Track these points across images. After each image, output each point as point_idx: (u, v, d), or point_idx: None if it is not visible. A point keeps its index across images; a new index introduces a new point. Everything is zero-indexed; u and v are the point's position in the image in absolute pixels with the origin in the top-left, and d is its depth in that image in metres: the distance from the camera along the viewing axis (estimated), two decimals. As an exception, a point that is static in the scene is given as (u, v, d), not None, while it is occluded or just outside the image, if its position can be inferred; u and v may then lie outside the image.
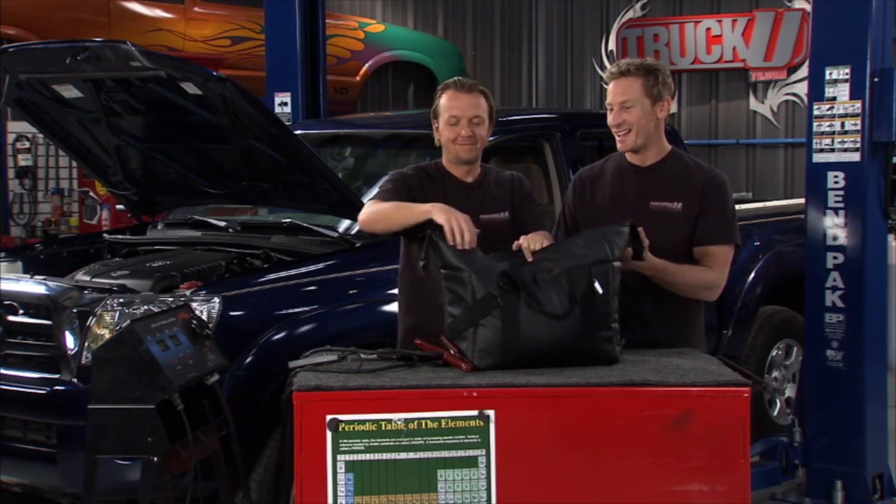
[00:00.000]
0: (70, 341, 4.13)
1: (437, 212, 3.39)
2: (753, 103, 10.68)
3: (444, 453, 3.00)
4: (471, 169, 3.74)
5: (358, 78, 11.04)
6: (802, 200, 4.91)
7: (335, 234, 4.81)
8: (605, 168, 3.77)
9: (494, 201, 3.73)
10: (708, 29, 10.75)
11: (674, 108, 10.90)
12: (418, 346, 3.35)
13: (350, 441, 2.99)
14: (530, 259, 3.26)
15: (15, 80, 4.74)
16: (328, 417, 2.99)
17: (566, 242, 3.39)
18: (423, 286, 3.61)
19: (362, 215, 3.67)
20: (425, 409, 3.01)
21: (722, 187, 3.65)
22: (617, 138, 3.64)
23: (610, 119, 3.63)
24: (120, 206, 7.92)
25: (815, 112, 4.67)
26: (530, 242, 3.31)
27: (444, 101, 3.70)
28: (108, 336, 3.96)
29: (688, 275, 3.56)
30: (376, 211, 3.62)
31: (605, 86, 9.56)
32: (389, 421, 2.99)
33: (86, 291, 4.30)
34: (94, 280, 4.55)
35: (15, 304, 4.35)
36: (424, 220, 3.44)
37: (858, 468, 4.67)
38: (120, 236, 5.60)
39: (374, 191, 3.81)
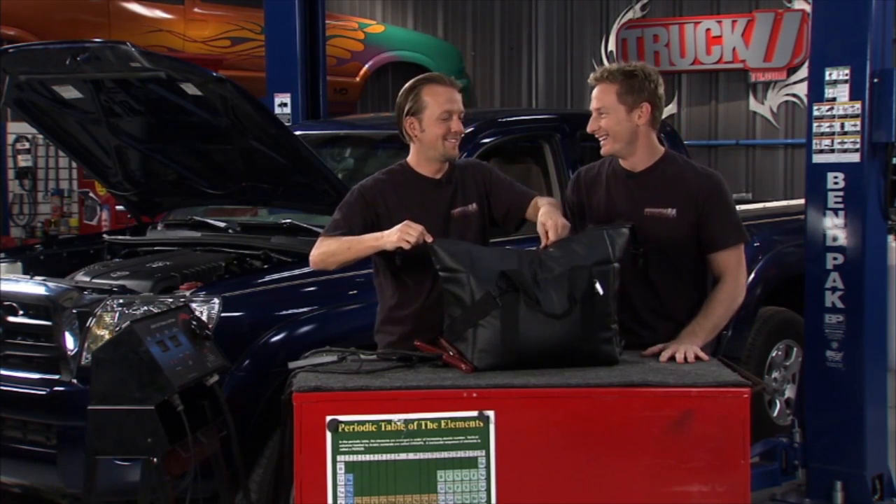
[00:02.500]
0: (70, 342, 4.13)
1: (386, 241, 3.38)
2: (753, 104, 10.67)
3: (444, 454, 3.00)
4: (442, 166, 3.66)
5: (358, 78, 11.05)
6: (802, 201, 4.91)
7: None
8: (602, 170, 3.75)
9: (464, 194, 3.66)
10: (708, 29, 10.74)
11: (673, 109, 10.90)
12: (417, 348, 3.35)
13: (350, 442, 2.99)
14: (549, 241, 3.33)
15: (15, 81, 4.75)
16: (328, 418, 2.99)
17: (569, 240, 3.38)
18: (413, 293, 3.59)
19: (312, 256, 3.58)
20: (425, 410, 3.01)
21: (719, 188, 3.62)
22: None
23: (589, 126, 3.63)
24: (120, 207, 7.93)
25: (815, 113, 4.67)
26: (556, 227, 3.36)
27: (430, 96, 3.56)
28: (107, 337, 3.96)
29: (722, 311, 3.56)
30: (325, 252, 3.54)
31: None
32: (389, 422, 3.00)
33: (85, 292, 4.30)
34: (93, 281, 4.55)
35: (15, 304, 4.35)
36: (377, 251, 3.45)
37: (858, 469, 4.67)
38: (120, 237, 5.59)
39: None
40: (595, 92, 3.60)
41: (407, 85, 3.65)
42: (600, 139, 3.61)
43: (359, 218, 3.57)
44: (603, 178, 3.72)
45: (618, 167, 3.69)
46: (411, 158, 3.68)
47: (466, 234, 3.56)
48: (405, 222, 3.38)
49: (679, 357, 3.33)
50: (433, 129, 3.57)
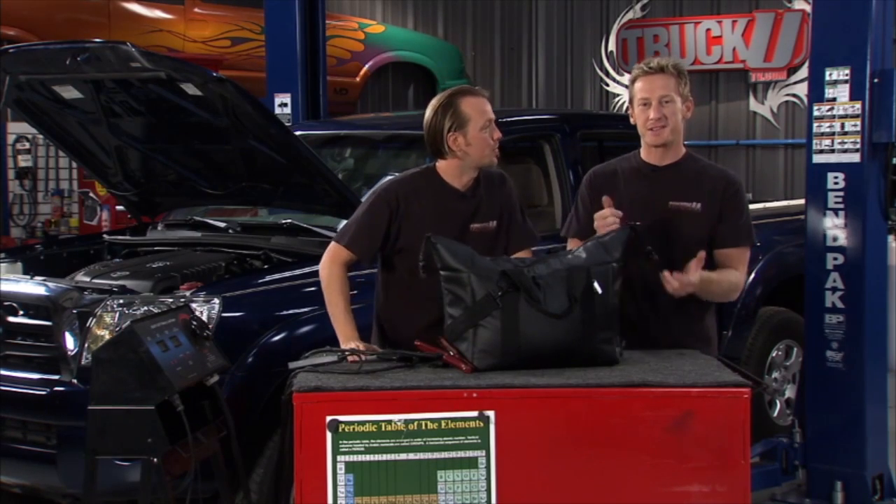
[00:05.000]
0: (70, 342, 4.14)
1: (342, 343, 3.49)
2: (753, 104, 10.67)
3: (444, 454, 3.00)
4: (472, 177, 3.67)
5: (358, 79, 11.04)
6: (802, 201, 4.91)
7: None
8: (620, 168, 3.75)
9: (486, 210, 3.68)
10: (708, 30, 10.75)
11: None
12: (418, 348, 3.35)
13: (350, 442, 2.99)
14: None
15: (15, 81, 4.75)
16: (328, 418, 2.99)
17: (567, 253, 3.39)
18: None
19: (322, 268, 3.65)
20: (425, 410, 3.01)
21: (740, 190, 3.70)
22: (649, 133, 3.62)
23: (650, 114, 3.59)
24: (120, 207, 7.92)
25: (815, 113, 4.67)
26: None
27: (470, 109, 3.58)
28: (107, 337, 3.96)
29: (726, 281, 3.62)
30: (324, 285, 3.63)
31: (606, 86, 9.49)
32: (389, 422, 3.00)
33: (86, 292, 4.30)
34: (93, 281, 4.55)
35: (15, 305, 4.35)
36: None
37: (858, 469, 4.67)
38: (120, 237, 5.59)
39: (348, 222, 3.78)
40: (655, 81, 3.61)
41: (438, 102, 3.63)
42: (656, 128, 3.60)
43: (381, 226, 3.61)
44: (623, 173, 3.73)
45: (640, 163, 3.71)
46: (443, 168, 3.68)
47: (483, 250, 3.46)
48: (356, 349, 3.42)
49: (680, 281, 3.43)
50: (479, 141, 3.58)
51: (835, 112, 4.61)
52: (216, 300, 4.12)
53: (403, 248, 3.60)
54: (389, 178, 3.76)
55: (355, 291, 4.37)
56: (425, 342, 3.33)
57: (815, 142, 4.68)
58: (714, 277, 3.57)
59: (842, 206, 4.62)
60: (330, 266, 3.64)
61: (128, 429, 3.23)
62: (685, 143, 3.80)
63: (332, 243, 3.69)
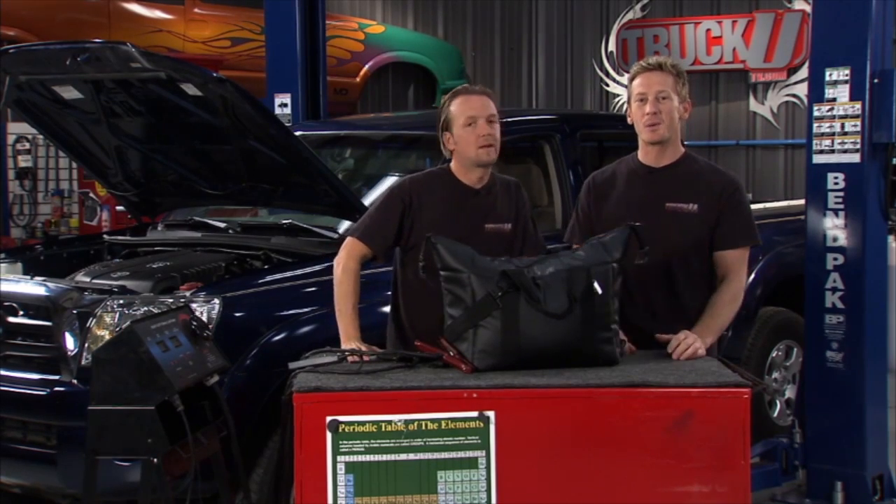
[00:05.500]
0: (70, 342, 4.13)
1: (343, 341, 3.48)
2: (753, 104, 10.67)
3: (444, 454, 3.00)
4: (483, 174, 3.70)
5: (358, 79, 11.04)
6: (802, 201, 4.91)
7: (335, 235, 4.80)
8: (618, 171, 3.76)
9: (500, 211, 3.70)
10: (708, 30, 10.74)
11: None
12: (418, 348, 3.35)
13: (350, 442, 2.99)
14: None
15: (15, 82, 4.75)
16: (328, 418, 2.99)
17: (566, 254, 3.39)
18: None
19: (337, 266, 3.65)
20: (425, 411, 3.01)
21: (738, 191, 3.67)
22: (646, 130, 3.60)
23: (646, 108, 3.57)
24: (120, 207, 7.93)
25: (815, 113, 4.68)
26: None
27: (456, 107, 3.65)
28: (108, 337, 3.96)
29: (728, 312, 3.61)
30: (336, 280, 3.63)
31: (606, 87, 9.51)
32: (389, 422, 3.00)
33: (86, 293, 4.30)
34: (93, 281, 4.55)
35: (15, 305, 4.35)
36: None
37: (858, 469, 4.68)
38: (120, 237, 5.59)
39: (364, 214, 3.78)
40: (652, 77, 3.60)
41: (441, 103, 3.74)
42: (652, 123, 3.58)
43: (395, 220, 3.63)
44: (620, 176, 3.73)
45: (637, 165, 3.70)
46: (454, 166, 3.73)
47: (494, 250, 3.48)
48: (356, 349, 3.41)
49: (689, 353, 3.35)
50: (464, 136, 3.62)
51: (835, 112, 4.61)
52: (216, 300, 4.12)
53: (417, 245, 3.59)
54: (401, 178, 3.78)
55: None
56: (428, 342, 3.34)
57: (815, 142, 4.68)
58: (716, 324, 3.55)
59: (842, 206, 4.62)
60: (346, 261, 3.64)
61: (128, 429, 3.23)
62: (687, 142, 3.79)
63: (348, 238, 3.71)
